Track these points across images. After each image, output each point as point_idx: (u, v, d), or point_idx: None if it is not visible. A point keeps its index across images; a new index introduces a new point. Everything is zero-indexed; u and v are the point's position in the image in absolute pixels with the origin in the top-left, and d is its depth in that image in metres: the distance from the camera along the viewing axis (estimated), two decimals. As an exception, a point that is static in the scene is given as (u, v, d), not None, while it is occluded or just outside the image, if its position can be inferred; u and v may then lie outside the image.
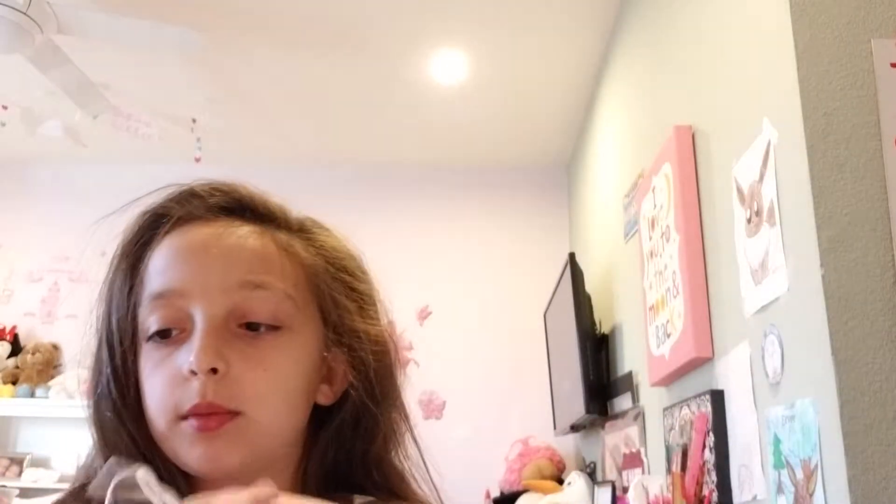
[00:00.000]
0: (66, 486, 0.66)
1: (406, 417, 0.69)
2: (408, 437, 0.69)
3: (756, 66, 1.42)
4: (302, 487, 0.65)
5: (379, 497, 0.66)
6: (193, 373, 0.58)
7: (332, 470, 0.65)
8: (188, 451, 0.58)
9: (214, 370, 0.58)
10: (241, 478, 0.57)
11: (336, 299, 0.66)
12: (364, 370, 0.65)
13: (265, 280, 0.62)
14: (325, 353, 0.65)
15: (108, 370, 0.63)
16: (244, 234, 0.64)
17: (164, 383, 0.60)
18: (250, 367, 0.60)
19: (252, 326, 0.61)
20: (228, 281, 0.61)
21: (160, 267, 0.62)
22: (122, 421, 0.62)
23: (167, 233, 0.64)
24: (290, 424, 0.63)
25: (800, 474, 1.20)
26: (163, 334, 0.61)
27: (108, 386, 0.63)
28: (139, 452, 0.61)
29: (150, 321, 0.61)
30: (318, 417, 0.66)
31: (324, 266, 0.67)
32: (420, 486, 0.68)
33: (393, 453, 0.68)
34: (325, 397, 0.66)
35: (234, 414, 0.59)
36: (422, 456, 0.69)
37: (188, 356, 0.58)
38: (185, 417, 0.58)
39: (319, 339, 0.65)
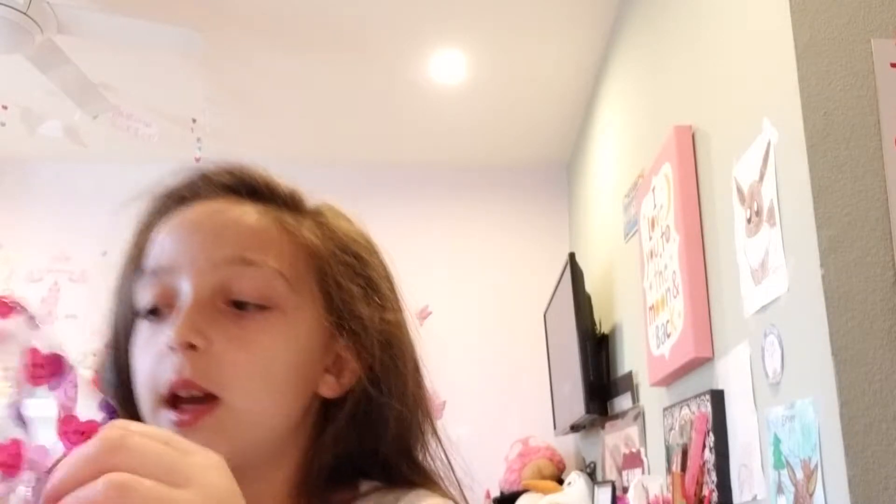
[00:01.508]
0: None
1: (427, 413, 0.66)
2: (430, 434, 0.66)
3: (756, 66, 1.42)
4: (304, 481, 0.62)
5: (388, 484, 0.63)
6: (172, 348, 0.56)
7: (341, 465, 0.62)
8: None
9: (193, 346, 0.56)
10: (234, 470, 0.54)
11: (340, 283, 0.62)
12: (370, 359, 0.62)
13: (255, 257, 0.59)
14: (338, 340, 0.62)
15: (111, 352, 0.63)
16: (242, 211, 0.62)
17: (148, 360, 0.58)
18: (233, 348, 0.57)
19: (239, 305, 0.58)
20: (217, 256, 0.59)
21: (156, 245, 0.61)
22: (119, 404, 0.62)
23: (171, 213, 0.63)
24: (277, 412, 0.59)
25: (800, 474, 1.20)
26: (155, 312, 0.59)
27: (108, 369, 0.63)
28: None
29: (141, 298, 0.60)
30: (330, 412, 0.63)
31: (332, 249, 0.64)
32: (448, 488, 0.65)
33: (418, 451, 0.65)
34: (331, 389, 0.62)
35: (211, 402, 0.56)
36: (445, 453, 0.66)
37: (169, 331, 0.56)
38: (164, 401, 0.56)
39: (318, 325, 0.61)
